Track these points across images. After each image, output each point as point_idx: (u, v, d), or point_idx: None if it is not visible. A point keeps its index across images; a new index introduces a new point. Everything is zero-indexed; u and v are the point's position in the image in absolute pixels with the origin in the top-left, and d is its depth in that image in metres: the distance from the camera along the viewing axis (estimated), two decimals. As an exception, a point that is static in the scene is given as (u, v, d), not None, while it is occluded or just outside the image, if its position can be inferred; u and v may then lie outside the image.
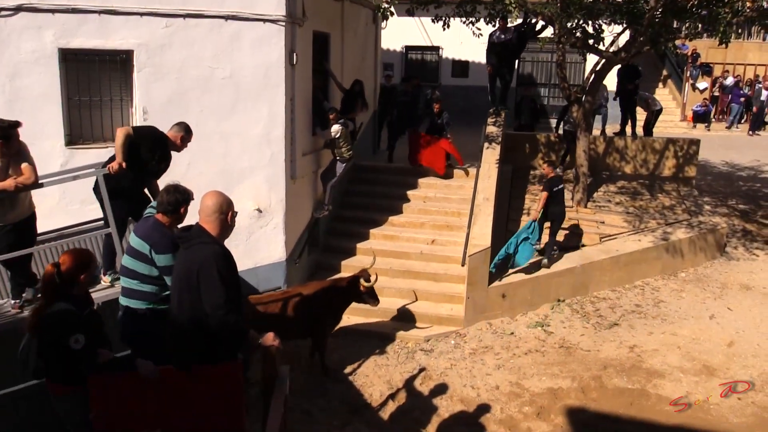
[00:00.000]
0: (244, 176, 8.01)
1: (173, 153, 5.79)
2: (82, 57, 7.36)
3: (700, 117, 19.03)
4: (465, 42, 15.16)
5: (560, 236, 9.57)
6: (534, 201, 9.54)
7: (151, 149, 5.57)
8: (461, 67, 18.46)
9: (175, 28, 7.50)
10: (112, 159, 5.63)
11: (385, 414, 6.73)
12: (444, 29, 10.79)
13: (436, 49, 18.50)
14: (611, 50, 10.59)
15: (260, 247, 8.25)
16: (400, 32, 17.00)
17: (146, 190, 5.79)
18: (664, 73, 20.60)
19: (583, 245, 9.75)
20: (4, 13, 6.94)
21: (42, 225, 5.72)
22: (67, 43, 7.20)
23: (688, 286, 9.53)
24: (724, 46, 9.13)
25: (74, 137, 7.48)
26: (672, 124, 18.59)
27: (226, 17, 7.62)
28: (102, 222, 5.91)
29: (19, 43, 7.04)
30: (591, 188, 11.15)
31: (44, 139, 7.11)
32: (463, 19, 10.64)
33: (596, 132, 12.54)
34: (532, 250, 8.78)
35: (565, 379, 7.27)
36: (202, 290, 3.68)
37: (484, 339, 8.25)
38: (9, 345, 4.22)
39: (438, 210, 10.52)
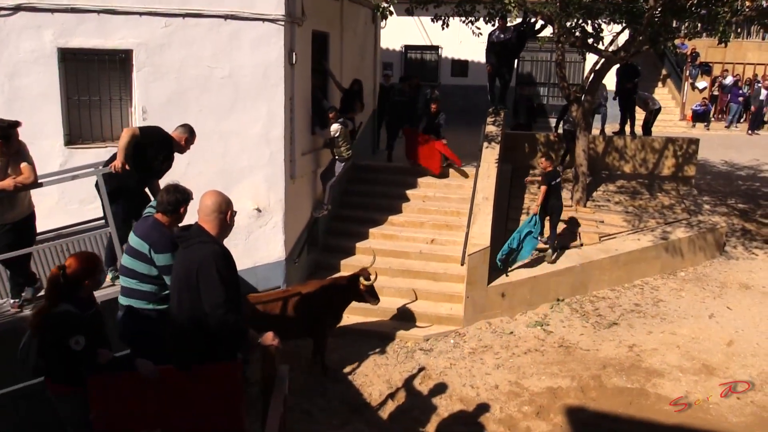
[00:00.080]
0: (243, 176, 8.00)
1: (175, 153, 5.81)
2: (82, 56, 7.36)
3: (700, 116, 19.03)
4: (464, 41, 15.15)
5: (560, 234, 9.64)
6: (533, 201, 9.59)
7: (156, 149, 5.61)
8: (460, 67, 18.44)
9: (174, 28, 7.49)
10: (112, 159, 5.64)
11: (385, 413, 6.73)
12: (443, 29, 10.78)
13: (435, 48, 18.49)
14: (610, 49, 10.59)
15: (259, 246, 8.25)
16: (400, 32, 16.98)
17: (147, 189, 5.81)
18: (664, 72, 20.61)
19: (583, 244, 9.75)
20: (3, 12, 6.94)
21: (41, 225, 5.72)
22: (66, 43, 7.20)
23: (688, 285, 9.54)
24: (723, 45, 9.15)
25: (73, 137, 7.47)
26: (671, 123, 18.60)
27: (226, 17, 7.62)
28: (103, 221, 5.92)
29: (18, 43, 7.04)
30: (590, 187, 11.16)
31: (43, 138, 7.11)
32: (463, 18, 10.64)
33: (596, 131, 12.54)
34: (535, 243, 8.96)
35: (565, 378, 7.27)
36: (202, 290, 3.68)
37: (484, 338, 8.25)
38: (9, 345, 4.22)
39: (437, 209, 10.52)
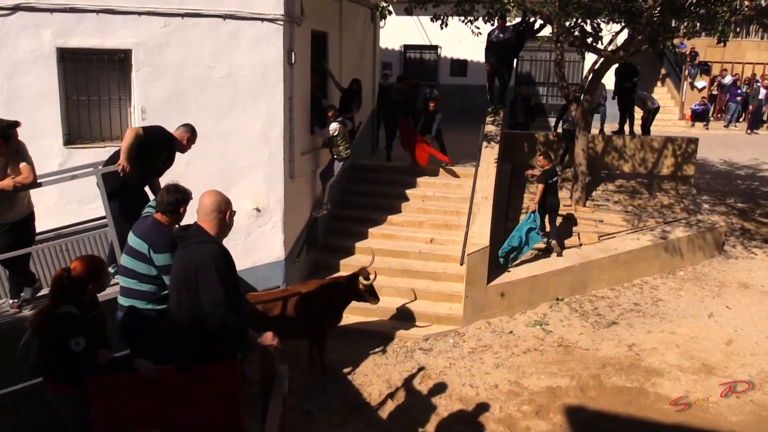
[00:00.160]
0: (242, 175, 8.00)
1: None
2: (81, 56, 7.36)
3: (699, 116, 19.04)
4: (463, 41, 15.15)
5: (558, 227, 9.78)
6: (532, 200, 9.63)
7: (159, 149, 5.64)
8: (460, 66, 18.45)
9: (173, 28, 7.49)
10: (111, 158, 5.65)
11: (384, 413, 6.73)
12: (442, 28, 10.78)
13: (434, 48, 18.49)
14: (610, 49, 10.59)
15: (259, 246, 8.25)
16: (399, 31, 16.98)
17: (147, 188, 5.82)
18: (663, 71, 20.61)
19: (582, 244, 9.76)
20: (1, 12, 6.94)
21: (40, 224, 5.72)
22: (65, 43, 7.19)
23: (687, 284, 9.55)
24: (722, 44, 9.15)
25: (72, 137, 7.47)
26: (670, 122, 18.61)
27: (225, 16, 7.62)
28: (102, 221, 5.92)
29: (17, 43, 7.04)
30: (590, 187, 11.16)
31: (42, 138, 7.10)
32: (462, 18, 10.64)
33: (595, 131, 12.55)
34: (538, 239, 9.12)
35: (564, 377, 7.28)
36: (201, 289, 3.68)
37: (483, 338, 8.25)
38: (8, 345, 4.22)
39: (437, 209, 10.52)
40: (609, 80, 12.52)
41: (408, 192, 10.89)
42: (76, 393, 3.80)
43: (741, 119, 19.36)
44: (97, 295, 4.09)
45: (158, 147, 5.63)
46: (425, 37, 17.78)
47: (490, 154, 10.60)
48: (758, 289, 9.37)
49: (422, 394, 7.05)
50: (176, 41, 7.52)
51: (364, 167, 11.52)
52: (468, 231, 9.01)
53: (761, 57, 20.15)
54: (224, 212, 3.83)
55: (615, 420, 6.57)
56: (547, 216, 9.34)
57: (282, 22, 7.80)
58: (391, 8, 10.02)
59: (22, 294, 5.47)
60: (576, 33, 10.18)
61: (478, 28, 11.06)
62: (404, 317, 8.59)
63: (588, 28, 10.27)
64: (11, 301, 5.47)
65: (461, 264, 8.99)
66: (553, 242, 9.39)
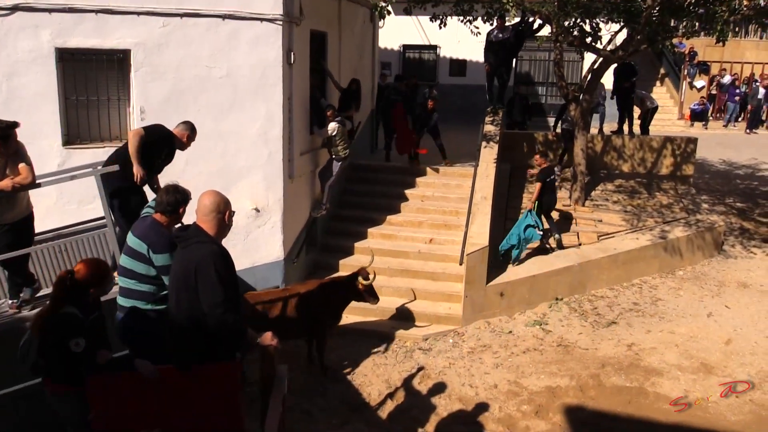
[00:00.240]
0: (241, 175, 8.00)
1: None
2: (79, 56, 7.36)
3: (698, 115, 19.05)
4: (463, 41, 15.16)
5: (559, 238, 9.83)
6: (530, 199, 9.68)
7: (160, 147, 5.66)
8: (459, 66, 18.44)
9: (172, 28, 7.49)
10: (110, 158, 5.66)
11: (384, 413, 6.73)
12: (440, 28, 10.79)
13: (433, 47, 18.49)
14: (609, 49, 10.60)
15: (258, 246, 8.25)
16: (398, 31, 16.98)
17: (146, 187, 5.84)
18: (662, 71, 20.61)
19: (581, 244, 9.76)
20: (0, 12, 6.93)
21: (39, 225, 5.72)
22: (64, 43, 7.19)
23: (686, 284, 9.55)
24: (721, 44, 9.16)
25: (71, 137, 7.47)
26: (669, 122, 18.61)
27: (224, 16, 7.61)
28: (101, 221, 5.92)
29: (16, 43, 7.03)
30: (589, 187, 11.17)
31: (41, 138, 7.10)
32: (461, 17, 10.64)
33: (594, 131, 12.55)
34: (538, 236, 9.20)
35: (564, 377, 7.28)
36: (200, 289, 3.68)
37: (483, 338, 8.25)
38: (8, 345, 4.22)
39: (436, 209, 10.52)
40: (608, 80, 12.53)
41: (407, 192, 10.90)
42: (76, 393, 3.80)
43: (740, 119, 19.37)
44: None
45: (159, 145, 5.65)
46: (424, 36, 17.78)
47: (489, 154, 10.61)
48: (757, 289, 9.37)
49: (422, 393, 7.05)
50: (175, 41, 7.52)
51: (364, 167, 11.52)
52: (467, 231, 9.02)
53: (760, 56, 20.16)
54: (223, 212, 3.83)
55: (614, 419, 6.57)
56: (545, 213, 9.42)
57: (281, 22, 7.80)
58: (390, 8, 10.01)
59: (21, 294, 5.47)
60: (575, 33, 10.18)
61: (477, 27, 11.06)
62: (404, 317, 8.59)
63: (587, 27, 10.28)
64: (10, 301, 5.47)
65: (460, 264, 8.99)
66: (556, 236, 9.52)
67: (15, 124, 5.09)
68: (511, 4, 8.58)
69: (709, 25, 8.96)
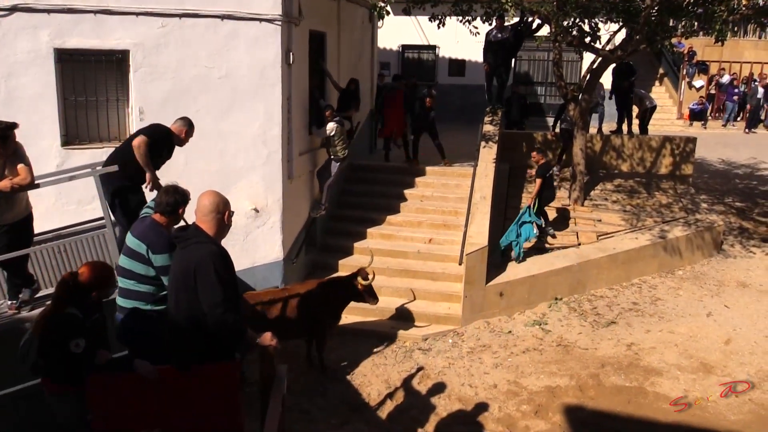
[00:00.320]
0: (240, 176, 8.00)
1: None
2: (78, 57, 7.35)
3: (697, 115, 19.06)
4: (462, 41, 15.16)
5: (558, 237, 9.88)
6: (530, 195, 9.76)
7: (160, 146, 5.68)
8: (458, 66, 18.44)
9: (171, 28, 7.49)
10: (110, 158, 5.68)
11: (384, 413, 6.73)
12: (439, 28, 10.79)
13: (432, 48, 18.48)
14: (608, 48, 10.60)
15: (257, 246, 8.25)
16: (397, 31, 16.98)
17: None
18: (661, 71, 20.62)
19: (580, 243, 9.77)
20: (-1, 13, 6.94)
21: (39, 225, 5.72)
22: (62, 43, 7.19)
23: (685, 283, 9.55)
24: (720, 44, 9.16)
25: (70, 138, 7.47)
26: (668, 122, 18.62)
27: (222, 17, 7.61)
28: (100, 222, 5.92)
29: (15, 44, 7.03)
30: (588, 186, 11.17)
31: (40, 139, 7.10)
32: (460, 17, 10.64)
33: (593, 130, 12.56)
34: (532, 232, 9.33)
35: (563, 377, 7.28)
36: (200, 290, 3.67)
37: (482, 338, 8.25)
38: (7, 345, 4.22)
39: (435, 209, 10.52)
40: (607, 80, 12.54)
41: (406, 192, 10.90)
42: (75, 393, 3.81)
43: (739, 118, 19.38)
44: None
45: (160, 144, 5.67)
46: (423, 37, 17.78)
47: (488, 153, 10.61)
48: (756, 288, 9.38)
49: (421, 394, 7.05)
50: (174, 42, 7.51)
51: (363, 167, 11.52)
52: (466, 231, 9.02)
53: (759, 56, 20.17)
54: (222, 213, 3.83)
55: (614, 419, 6.57)
56: (541, 210, 9.57)
57: (280, 22, 7.80)
58: (389, 8, 10.03)
59: (20, 295, 5.47)
60: (574, 32, 10.18)
61: (476, 27, 11.07)
62: (403, 317, 8.59)
63: (586, 27, 10.28)
64: (10, 302, 5.47)
65: (460, 264, 8.99)
66: (551, 231, 9.71)
67: (14, 125, 5.09)
68: (510, 4, 8.58)
69: (708, 25, 8.96)
